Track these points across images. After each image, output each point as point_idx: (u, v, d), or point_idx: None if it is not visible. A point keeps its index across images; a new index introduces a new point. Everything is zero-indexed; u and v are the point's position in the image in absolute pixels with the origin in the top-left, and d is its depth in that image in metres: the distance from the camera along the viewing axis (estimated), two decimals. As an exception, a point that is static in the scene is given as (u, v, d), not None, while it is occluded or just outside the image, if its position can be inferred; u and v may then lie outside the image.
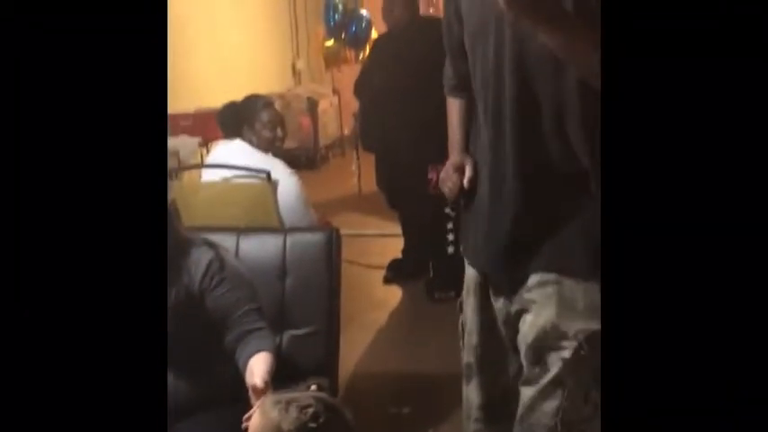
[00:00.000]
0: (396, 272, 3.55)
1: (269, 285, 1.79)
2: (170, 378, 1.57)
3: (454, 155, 1.53)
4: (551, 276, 1.36)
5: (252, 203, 2.43)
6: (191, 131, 4.17)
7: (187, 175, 2.86)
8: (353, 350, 2.82)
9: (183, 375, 1.59)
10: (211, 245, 1.67)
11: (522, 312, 1.41)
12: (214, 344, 1.62)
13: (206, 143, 4.04)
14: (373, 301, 3.36)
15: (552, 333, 1.36)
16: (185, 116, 4.32)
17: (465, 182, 1.45)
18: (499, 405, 1.55)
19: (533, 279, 1.38)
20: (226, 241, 1.79)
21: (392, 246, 3.71)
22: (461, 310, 1.58)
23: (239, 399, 1.45)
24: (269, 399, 1.24)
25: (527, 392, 1.41)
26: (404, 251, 3.58)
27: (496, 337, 1.51)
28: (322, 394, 1.25)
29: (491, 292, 1.49)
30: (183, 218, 1.80)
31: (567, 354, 1.35)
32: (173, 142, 3.70)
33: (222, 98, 2.85)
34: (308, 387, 1.28)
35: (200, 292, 1.60)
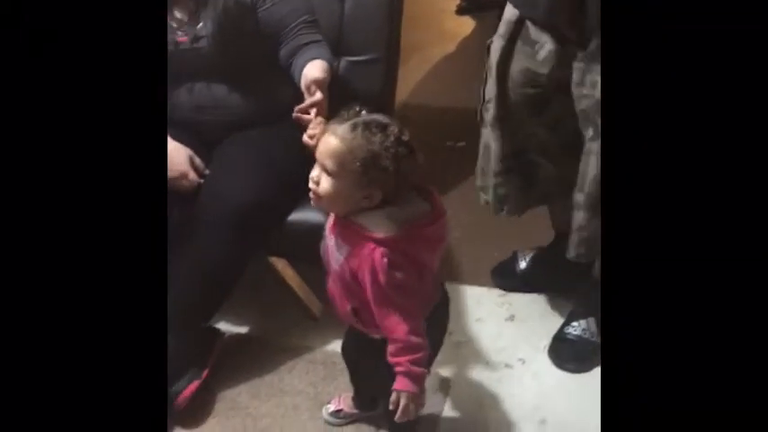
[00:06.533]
0: (472, 1, 3.33)
1: (326, 6, 1.70)
2: (225, 91, 1.58)
3: None
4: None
5: None
6: None
7: None
8: (413, 82, 2.78)
9: (237, 90, 1.59)
10: (262, -48, 1.56)
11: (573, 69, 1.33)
12: (268, 59, 1.59)
13: None
14: (443, 33, 3.22)
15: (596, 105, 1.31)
16: None
17: None
18: (519, 154, 1.53)
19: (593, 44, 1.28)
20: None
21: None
22: (488, 53, 1.48)
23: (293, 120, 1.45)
24: (341, 124, 1.11)
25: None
26: (482, -22, 3.32)
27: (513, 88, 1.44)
28: (388, 117, 1.12)
29: (534, 36, 1.37)
30: None
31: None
32: None
33: None
34: (358, 111, 1.13)
35: (253, 4, 1.54)
